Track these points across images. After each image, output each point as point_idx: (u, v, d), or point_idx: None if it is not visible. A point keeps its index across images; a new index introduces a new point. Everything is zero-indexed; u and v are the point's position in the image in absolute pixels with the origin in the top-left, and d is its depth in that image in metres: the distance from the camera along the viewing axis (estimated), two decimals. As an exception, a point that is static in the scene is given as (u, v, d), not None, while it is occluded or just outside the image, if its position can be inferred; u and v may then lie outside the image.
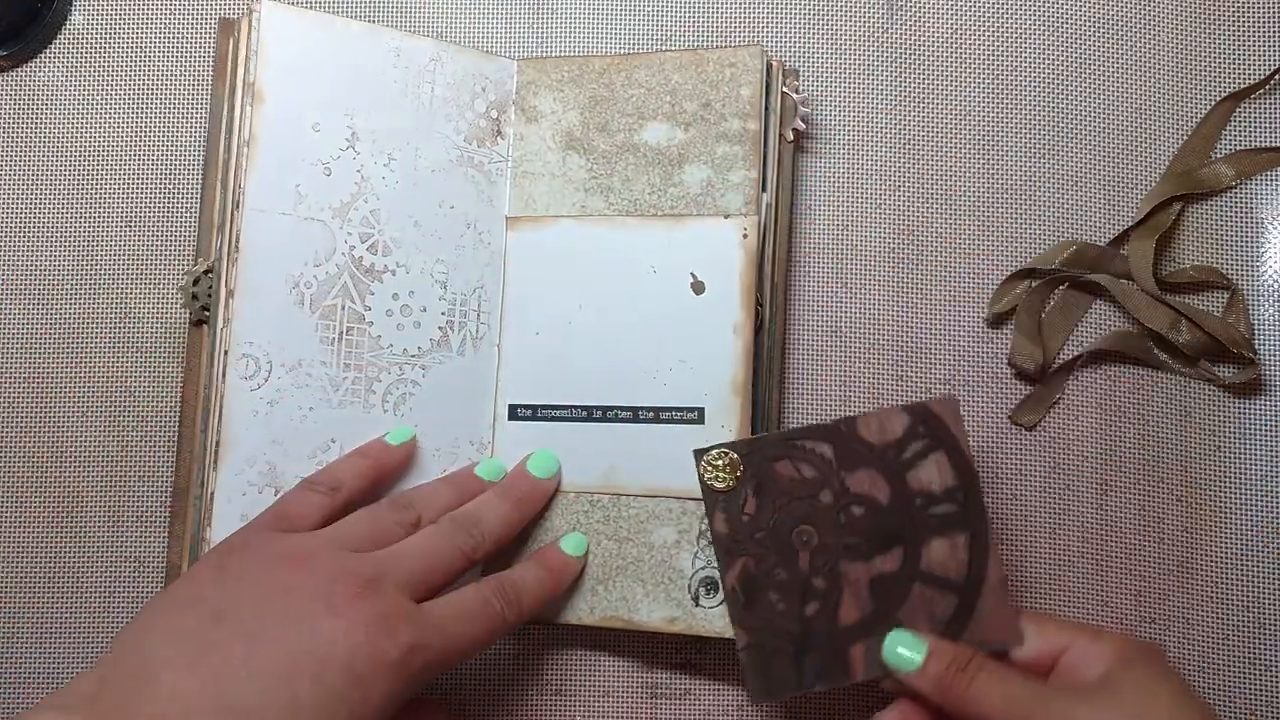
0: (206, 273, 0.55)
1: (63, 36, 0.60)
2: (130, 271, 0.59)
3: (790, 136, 0.57)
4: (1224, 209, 0.57)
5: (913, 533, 0.50)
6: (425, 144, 0.56)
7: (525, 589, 0.51)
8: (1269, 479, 0.56)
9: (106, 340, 0.59)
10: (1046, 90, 0.58)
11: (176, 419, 0.57)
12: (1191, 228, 0.57)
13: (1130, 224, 0.57)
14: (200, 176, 0.57)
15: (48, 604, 0.58)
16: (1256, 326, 0.56)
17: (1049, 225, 0.58)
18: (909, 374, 0.58)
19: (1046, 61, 0.59)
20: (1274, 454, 0.56)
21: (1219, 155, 0.57)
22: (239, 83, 0.54)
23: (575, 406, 0.56)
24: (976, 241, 0.58)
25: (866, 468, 0.50)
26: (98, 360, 0.58)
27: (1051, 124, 0.58)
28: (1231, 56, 0.58)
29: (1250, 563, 0.56)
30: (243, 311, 0.52)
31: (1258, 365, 0.55)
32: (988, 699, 0.46)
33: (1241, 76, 0.58)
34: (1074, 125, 0.58)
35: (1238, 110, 0.57)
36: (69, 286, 0.59)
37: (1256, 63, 0.58)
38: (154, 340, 0.59)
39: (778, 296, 0.57)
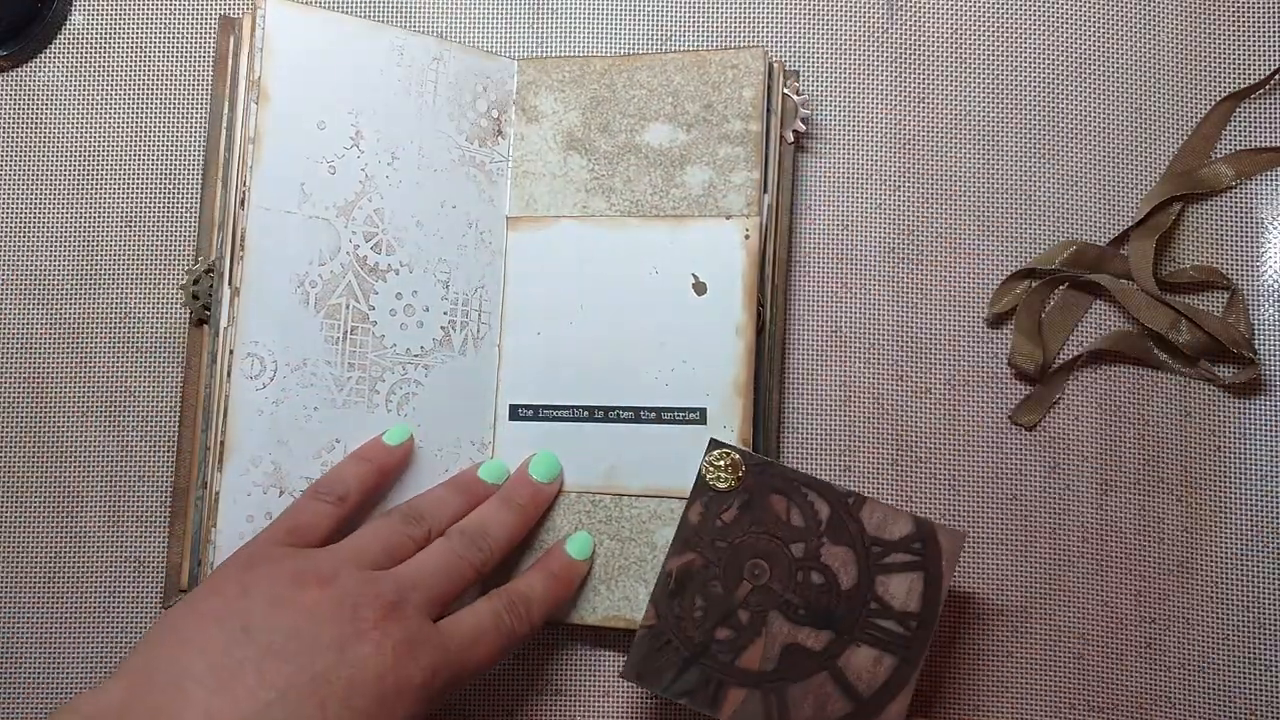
0: (207, 272, 0.55)
1: (63, 36, 0.60)
2: (130, 271, 0.59)
3: (790, 138, 0.57)
4: (1224, 209, 0.57)
5: (850, 629, 0.50)
6: (428, 143, 0.56)
7: (534, 600, 0.52)
8: (1269, 479, 0.56)
9: (106, 340, 0.58)
10: (1046, 90, 0.59)
11: (176, 419, 0.57)
12: (1191, 228, 0.57)
13: (1130, 224, 0.57)
14: (200, 176, 0.57)
15: (48, 604, 0.57)
16: (1256, 326, 0.56)
17: (1049, 225, 0.58)
18: (909, 374, 0.58)
19: (1046, 61, 0.59)
20: (1274, 454, 0.56)
21: (1219, 155, 0.57)
22: (242, 81, 0.54)
23: (576, 407, 0.56)
24: (976, 241, 0.58)
25: (848, 547, 0.50)
26: (98, 360, 0.58)
27: (1051, 124, 0.58)
28: (1231, 56, 0.58)
29: (1250, 563, 0.56)
30: (248, 310, 0.52)
31: (1258, 365, 0.56)
32: None
33: (1241, 76, 0.58)
34: (1074, 125, 0.58)
35: (1238, 110, 0.58)
36: (69, 286, 0.59)
37: (1256, 63, 0.58)
38: (154, 340, 0.58)
39: (778, 297, 0.57)
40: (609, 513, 0.55)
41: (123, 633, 0.57)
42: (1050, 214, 0.58)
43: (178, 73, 0.60)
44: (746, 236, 0.55)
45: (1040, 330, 0.57)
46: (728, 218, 0.55)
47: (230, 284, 0.52)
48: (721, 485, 0.51)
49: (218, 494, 0.52)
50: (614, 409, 0.56)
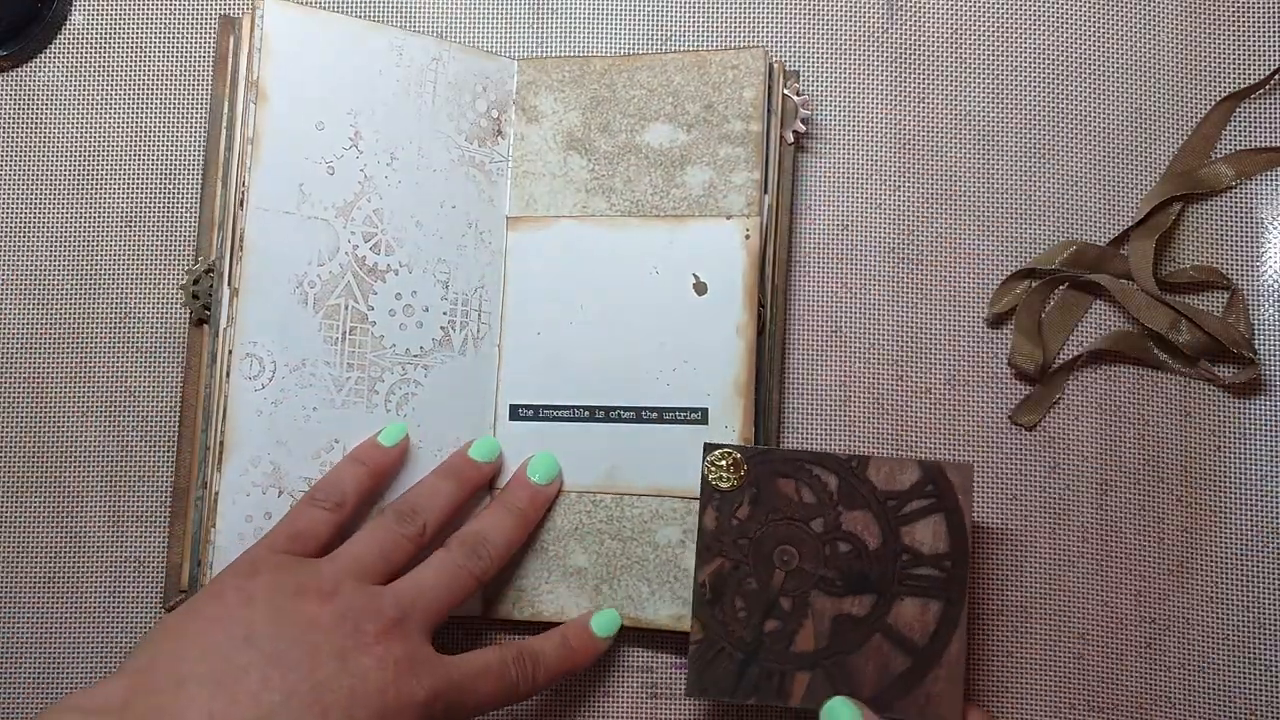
0: (207, 272, 0.55)
1: (63, 36, 0.60)
2: (130, 271, 0.59)
3: (790, 138, 0.57)
4: (1224, 209, 0.57)
5: (889, 586, 0.50)
6: (427, 143, 0.56)
7: (543, 664, 0.52)
8: (1269, 479, 0.56)
9: (106, 340, 0.58)
10: (1046, 90, 0.59)
11: (176, 419, 0.57)
12: (1191, 228, 0.57)
13: (1130, 224, 0.57)
14: (200, 176, 0.57)
15: (48, 604, 0.57)
16: (1256, 326, 0.56)
17: (1049, 225, 0.58)
18: (909, 374, 0.58)
19: (1046, 61, 0.59)
20: (1274, 454, 0.56)
21: (1219, 155, 0.57)
22: (241, 81, 0.54)
23: (577, 407, 0.56)
24: (976, 241, 0.58)
25: (864, 509, 0.51)
26: (98, 360, 0.58)
27: (1051, 124, 0.58)
28: (1231, 56, 0.58)
29: (1250, 563, 0.56)
30: (247, 311, 0.52)
31: (1258, 365, 0.56)
32: None
33: (1241, 76, 0.58)
34: (1074, 125, 0.58)
35: (1238, 110, 0.58)
36: (69, 286, 0.59)
37: (1256, 63, 0.58)
38: (154, 340, 0.58)
39: (778, 297, 0.57)
40: (610, 512, 0.55)
41: (123, 633, 0.57)
42: (1050, 214, 0.58)
43: (178, 73, 0.60)
44: (747, 236, 0.55)
45: (1040, 330, 0.57)
46: (728, 218, 0.55)
47: (229, 284, 0.52)
48: (725, 485, 0.51)
49: (217, 494, 0.52)
50: (614, 409, 0.56)
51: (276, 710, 0.43)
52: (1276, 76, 0.57)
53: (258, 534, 0.51)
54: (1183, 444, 0.57)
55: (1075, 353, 0.57)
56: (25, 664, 0.57)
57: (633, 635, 0.56)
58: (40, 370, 0.58)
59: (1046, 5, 0.59)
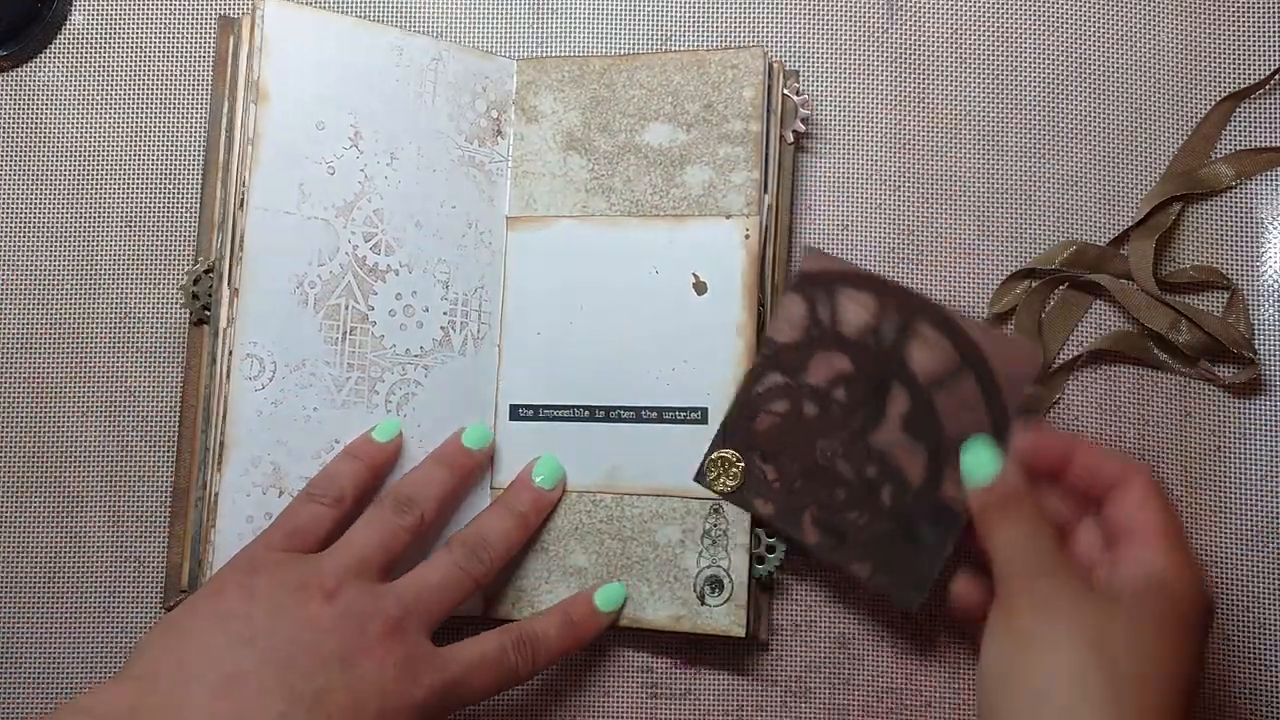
0: (207, 272, 0.55)
1: (63, 36, 0.60)
2: (130, 271, 0.59)
3: (790, 138, 0.57)
4: (1224, 209, 0.57)
5: (890, 364, 0.51)
6: (427, 143, 0.56)
7: (543, 644, 0.52)
8: (1269, 479, 0.56)
9: (106, 340, 0.58)
10: (1046, 90, 0.59)
11: (176, 419, 0.57)
12: (1191, 228, 0.57)
13: (1130, 224, 0.57)
14: (200, 176, 0.57)
15: (48, 604, 0.58)
16: (1256, 326, 0.56)
17: (1049, 225, 0.58)
18: (909, 374, 0.58)
19: (1046, 61, 0.59)
20: (1274, 454, 0.56)
21: (1219, 155, 0.57)
22: (241, 81, 0.54)
23: (577, 407, 0.56)
24: (976, 241, 0.58)
25: (813, 355, 0.51)
26: (98, 360, 0.58)
27: (1051, 124, 0.58)
28: (1231, 56, 0.58)
29: (1250, 563, 0.56)
30: (247, 311, 0.52)
31: (1258, 365, 0.56)
32: (1004, 535, 0.47)
33: (1241, 76, 0.58)
34: (1074, 125, 0.58)
35: (1238, 110, 0.58)
36: (69, 286, 0.59)
37: (1256, 63, 0.58)
38: (154, 340, 0.58)
39: (778, 297, 0.57)
40: (610, 512, 0.55)
41: (123, 633, 0.57)
42: (1050, 214, 0.58)
43: (177, 73, 0.60)
44: (746, 236, 0.55)
45: (1040, 330, 0.57)
46: (728, 217, 0.55)
47: (229, 284, 0.52)
48: (739, 481, 0.51)
49: (217, 494, 0.52)
50: (614, 409, 0.56)
51: (280, 715, 0.44)
52: (1276, 76, 0.57)
53: (257, 534, 0.51)
54: (1183, 444, 0.57)
55: (1075, 353, 0.57)
56: (25, 664, 0.57)
57: (633, 635, 0.56)
58: (40, 370, 0.58)
59: (1046, 5, 0.59)
